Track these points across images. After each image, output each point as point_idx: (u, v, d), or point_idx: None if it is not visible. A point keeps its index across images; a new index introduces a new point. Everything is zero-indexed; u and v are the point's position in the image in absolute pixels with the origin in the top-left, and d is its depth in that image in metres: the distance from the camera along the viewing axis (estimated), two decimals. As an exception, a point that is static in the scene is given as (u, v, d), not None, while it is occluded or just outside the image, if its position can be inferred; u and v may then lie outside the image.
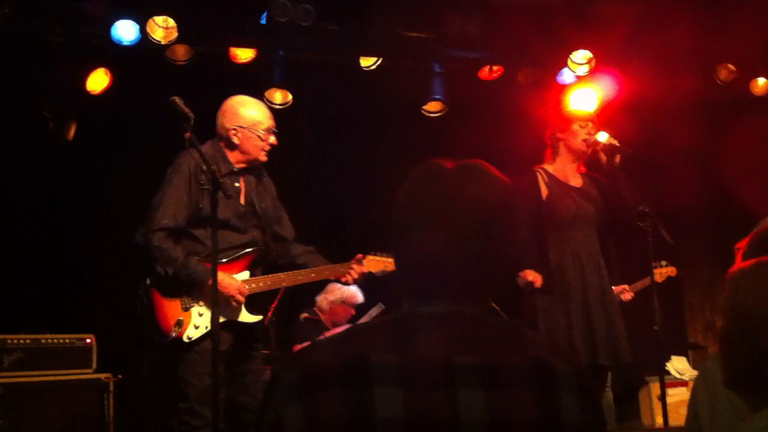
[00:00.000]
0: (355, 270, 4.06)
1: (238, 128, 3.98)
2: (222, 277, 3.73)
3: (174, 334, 3.77)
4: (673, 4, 5.79)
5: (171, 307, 3.83)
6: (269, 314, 4.75)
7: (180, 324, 3.76)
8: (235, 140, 3.97)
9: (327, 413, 1.31)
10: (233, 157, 4.00)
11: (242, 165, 4.02)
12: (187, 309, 3.83)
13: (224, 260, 3.87)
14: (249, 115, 4.01)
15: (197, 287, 3.80)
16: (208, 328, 3.71)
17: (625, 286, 5.94)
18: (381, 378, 1.32)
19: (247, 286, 3.91)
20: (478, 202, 1.45)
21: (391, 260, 4.05)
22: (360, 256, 4.09)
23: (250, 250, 3.98)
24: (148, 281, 3.84)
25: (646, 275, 6.00)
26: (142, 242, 3.80)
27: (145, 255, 3.80)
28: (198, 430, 3.68)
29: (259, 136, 3.99)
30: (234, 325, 3.89)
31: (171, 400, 3.87)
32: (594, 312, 4.29)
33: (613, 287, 5.84)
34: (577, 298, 4.30)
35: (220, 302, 3.65)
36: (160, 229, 3.78)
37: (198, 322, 3.81)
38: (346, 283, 4.14)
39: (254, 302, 3.96)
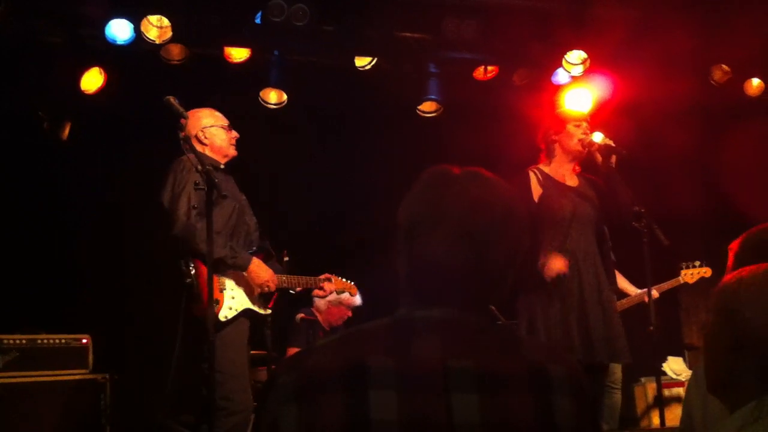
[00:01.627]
0: (327, 286, 4.55)
1: (203, 129, 4.27)
2: (259, 264, 4.14)
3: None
4: (667, 6, 5.79)
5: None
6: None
7: (216, 302, 3.91)
8: (206, 141, 4.25)
9: (323, 417, 1.31)
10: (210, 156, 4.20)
11: (221, 162, 4.26)
12: (222, 290, 4.02)
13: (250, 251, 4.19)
14: (208, 118, 4.32)
15: (232, 272, 4.07)
16: (238, 311, 4.06)
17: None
18: (376, 382, 1.33)
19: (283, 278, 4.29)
20: (487, 208, 1.46)
21: (348, 284, 4.75)
22: (327, 275, 4.59)
23: (259, 248, 4.28)
24: (192, 261, 3.96)
25: (672, 276, 6.03)
26: (184, 226, 3.93)
27: (188, 237, 3.93)
28: (234, 415, 3.84)
29: (222, 129, 4.30)
30: (251, 315, 4.16)
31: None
32: (590, 311, 4.28)
33: (637, 290, 5.87)
34: (574, 297, 4.29)
35: (251, 290, 4.13)
36: (192, 209, 3.93)
37: (231, 304, 4.05)
38: (323, 295, 4.77)
39: (263, 298, 4.26)
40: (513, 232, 1.47)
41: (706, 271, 6.16)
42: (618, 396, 5.13)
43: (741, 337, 1.59)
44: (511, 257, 1.47)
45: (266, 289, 4.17)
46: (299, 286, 4.44)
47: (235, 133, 4.35)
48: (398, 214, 1.51)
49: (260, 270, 4.13)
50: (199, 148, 4.15)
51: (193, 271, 3.95)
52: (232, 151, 4.33)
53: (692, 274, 6.11)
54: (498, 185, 1.50)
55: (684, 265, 6.11)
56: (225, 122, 4.34)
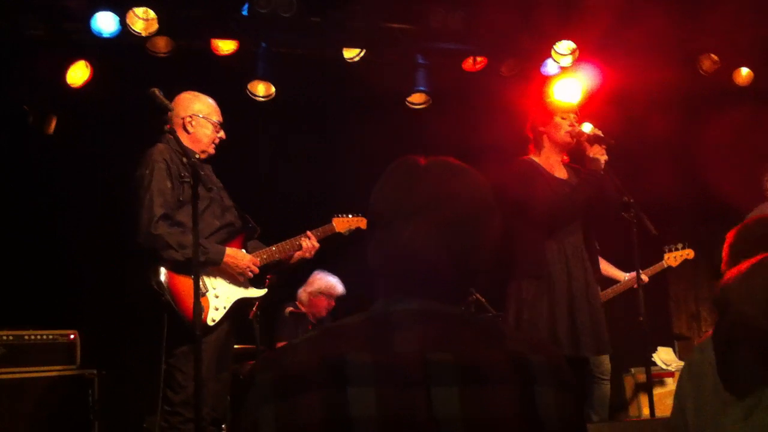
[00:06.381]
0: (304, 243, 4.31)
1: (192, 116, 4.13)
2: (234, 252, 4.00)
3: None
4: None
5: (189, 293, 3.77)
6: (254, 309, 4.73)
7: (201, 309, 3.71)
8: (189, 128, 4.11)
9: (302, 415, 1.29)
10: (189, 146, 4.06)
11: (196, 153, 4.11)
12: (204, 294, 3.89)
13: (226, 240, 4.05)
14: (202, 107, 4.18)
15: (211, 268, 3.93)
16: (227, 308, 3.96)
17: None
18: (355, 377, 1.31)
19: (259, 259, 4.14)
20: (461, 197, 1.45)
21: (356, 219, 4.57)
22: (309, 233, 4.38)
23: (241, 227, 4.16)
24: (162, 271, 3.81)
25: (656, 261, 6.04)
26: (146, 236, 3.79)
27: (152, 246, 3.79)
28: (191, 422, 3.68)
29: (212, 125, 4.16)
30: (244, 303, 4.10)
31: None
32: (578, 305, 4.28)
33: (625, 275, 5.88)
34: (562, 290, 4.29)
35: (235, 279, 4.02)
36: (160, 218, 3.80)
37: (217, 303, 3.94)
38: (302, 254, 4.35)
39: (254, 277, 4.16)
40: (487, 220, 1.47)
41: (689, 253, 6.18)
42: (607, 387, 5.13)
43: (736, 329, 1.58)
44: (487, 245, 1.46)
45: (249, 274, 4.05)
46: (279, 255, 4.25)
47: (222, 134, 4.19)
48: (369, 206, 1.49)
49: (237, 258, 3.99)
50: (179, 132, 4.01)
51: (166, 286, 3.78)
52: (211, 150, 4.17)
53: (675, 257, 6.13)
54: (470, 174, 1.49)
55: (667, 248, 6.12)
56: (218, 119, 4.19)
